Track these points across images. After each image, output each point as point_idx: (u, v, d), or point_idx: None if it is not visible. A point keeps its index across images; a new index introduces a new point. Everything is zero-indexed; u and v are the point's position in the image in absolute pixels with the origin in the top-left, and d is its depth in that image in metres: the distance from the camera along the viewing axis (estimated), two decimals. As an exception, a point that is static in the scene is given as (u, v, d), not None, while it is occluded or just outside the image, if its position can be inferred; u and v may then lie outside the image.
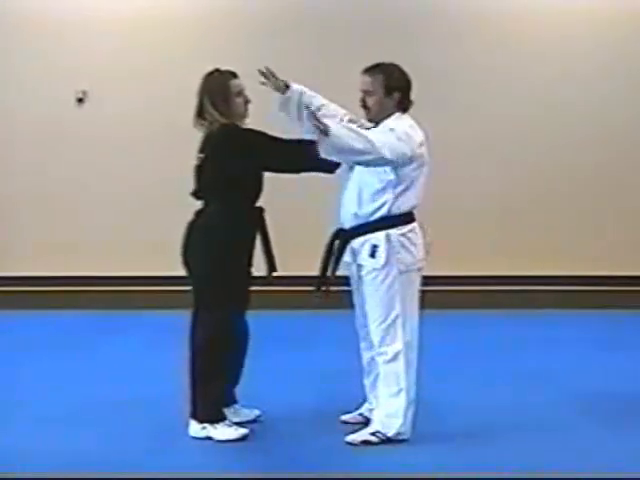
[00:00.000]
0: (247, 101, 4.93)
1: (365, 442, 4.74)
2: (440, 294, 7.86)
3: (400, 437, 4.74)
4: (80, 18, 8.57)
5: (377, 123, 4.77)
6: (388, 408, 4.76)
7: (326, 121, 4.46)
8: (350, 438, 4.77)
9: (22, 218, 8.73)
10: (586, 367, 6.41)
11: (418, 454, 4.62)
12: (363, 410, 5.07)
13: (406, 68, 4.82)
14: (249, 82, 4.95)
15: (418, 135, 4.72)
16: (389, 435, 4.73)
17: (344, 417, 5.09)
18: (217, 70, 4.93)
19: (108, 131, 8.62)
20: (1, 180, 8.71)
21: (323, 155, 4.49)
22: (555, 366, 6.40)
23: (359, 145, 4.46)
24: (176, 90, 8.32)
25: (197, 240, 4.86)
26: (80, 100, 8.62)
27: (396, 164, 4.61)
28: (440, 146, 8.15)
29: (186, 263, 4.92)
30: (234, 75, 4.91)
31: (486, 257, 8.57)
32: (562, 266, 8.63)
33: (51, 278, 8.50)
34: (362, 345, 4.98)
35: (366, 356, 4.97)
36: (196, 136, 4.95)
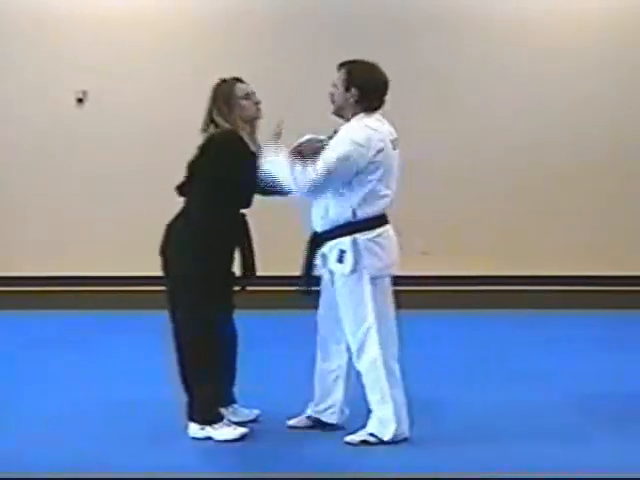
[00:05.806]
0: (257, 102, 4.95)
1: (364, 442, 4.73)
2: (439, 294, 7.86)
3: (397, 439, 4.71)
4: (80, 18, 8.57)
5: (347, 120, 4.72)
6: (379, 414, 4.73)
7: None
8: (349, 438, 4.76)
9: (22, 218, 8.73)
10: (585, 367, 6.41)
11: (418, 454, 4.62)
12: (309, 412, 4.99)
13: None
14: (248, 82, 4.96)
15: (376, 141, 4.64)
16: (385, 440, 4.71)
17: (291, 422, 4.99)
18: (222, 80, 4.96)
19: (108, 131, 8.62)
20: (1, 180, 8.71)
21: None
22: (554, 366, 6.40)
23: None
24: (176, 90, 8.33)
25: (179, 240, 4.86)
26: (80, 100, 8.62)
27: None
28: (440, 145, 8.15)
29: (164, 263, 4.91)
30: (239, 80, 4.96)
31: (484, 257, 8.56)
32: (561, 266, 8.63)
33: (51, 278, 8.50)
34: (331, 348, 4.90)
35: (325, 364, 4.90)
36: (197, 135, 4.96)
